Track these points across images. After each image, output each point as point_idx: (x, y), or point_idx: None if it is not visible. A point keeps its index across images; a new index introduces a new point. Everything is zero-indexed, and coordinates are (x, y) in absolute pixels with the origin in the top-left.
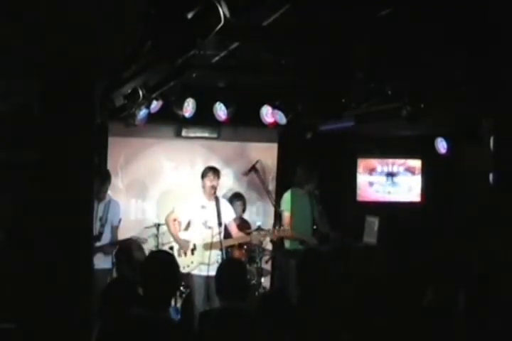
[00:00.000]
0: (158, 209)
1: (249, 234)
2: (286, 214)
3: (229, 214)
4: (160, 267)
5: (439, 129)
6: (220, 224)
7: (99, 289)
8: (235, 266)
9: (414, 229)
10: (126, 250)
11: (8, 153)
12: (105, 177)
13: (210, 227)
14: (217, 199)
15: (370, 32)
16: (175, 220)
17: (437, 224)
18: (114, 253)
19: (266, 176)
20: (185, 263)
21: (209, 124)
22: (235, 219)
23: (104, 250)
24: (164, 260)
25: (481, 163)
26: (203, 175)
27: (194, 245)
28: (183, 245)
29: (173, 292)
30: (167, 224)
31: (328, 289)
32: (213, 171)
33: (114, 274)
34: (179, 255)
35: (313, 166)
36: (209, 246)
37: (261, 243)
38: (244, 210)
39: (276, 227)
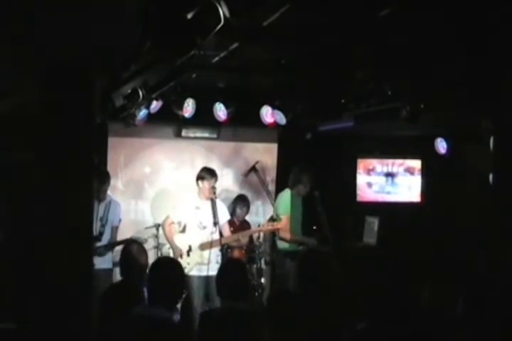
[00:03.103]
0: (157, 209)
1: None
2: (284, 218)
3: (223, 215)
4: (169, 270)
5: (439, 129)
6: (215, 223)
7: (99, 289)
8: (236, 266)
9: (414, 229)
10: (130, 255)
11: (8, 153)
12: (104, 178)
13: (204, 227)
14: (212, 200)
15: (370, 32)
16: (172, 223)
17: (437, 224)
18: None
19: (266, 176)
20: (182, 265)
21: (209, 124)
22: (228, 221)
23: (103, 250)
24: (172, 264)
25: (481, 163)
26: (203, 178)
27: (190, 246)
28: (176, 250)
29: (180, 294)
30: (163, 228)
31: (328, 289)
32: (210, 172)
33: (115, 274)
34: (175, 257)
35: (306, 168)
36: (206, 246)
37: (255, 247)
38: (247, 213)
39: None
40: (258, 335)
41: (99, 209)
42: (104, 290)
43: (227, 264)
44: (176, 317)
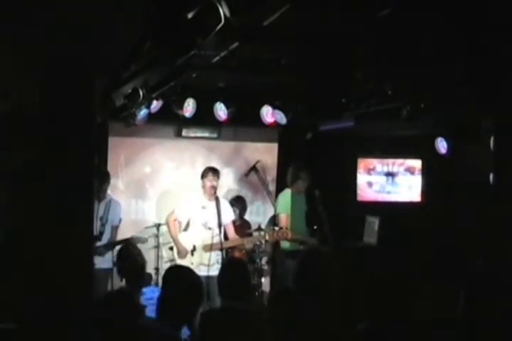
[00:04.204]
0: (158, 209)
1: (249, 234)
2: (283, 216)
3: (228, 215)
4: (188, 288)
5: (439, 129)
6: (219, 225)
7: (99, 289)
8: (237, 266)
9: (414, 229)
10: (128, 257)
11: (8, 153)
12: (104, 177)
13: (210, 228)
14: (217, 200)
15: (370, 32)
16: (175, 220)
17: (437, 224)
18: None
19: (266, 176)
20: (185, 265)
21: (209, 124)
22: (233, 221)
23: (103, 250)
24: (194, 282)
25: (481, 163)
26: (203, 176)
27: (194, 246)
28: (181, 250)
29: (196, 311)
30: (168, 225)
31: (328, 289)
32: (213, 171)
33: (115, 274)
34: (179, 257)
35: (303, 165)
36: (208, 248)
37: (255, 246)
38: (240, 215)
39: (276, 229)
40: (258, 335)
41: (100, 209)
42: (99, 299)
43: (229, 264)
44: (185, 334)
